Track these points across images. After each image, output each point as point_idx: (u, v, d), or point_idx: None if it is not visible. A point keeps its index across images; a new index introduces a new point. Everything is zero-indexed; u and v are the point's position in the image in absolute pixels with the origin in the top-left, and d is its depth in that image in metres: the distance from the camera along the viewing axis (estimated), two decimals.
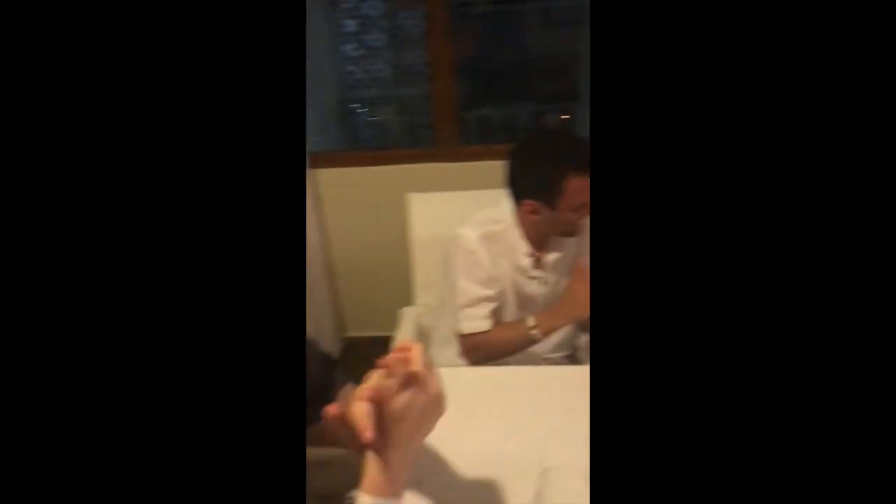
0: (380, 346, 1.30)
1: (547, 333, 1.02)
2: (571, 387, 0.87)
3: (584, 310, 0.98)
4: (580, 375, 0.98)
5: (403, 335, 1.28)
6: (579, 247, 1.11)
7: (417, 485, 0.70)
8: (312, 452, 0.87)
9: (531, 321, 1.01)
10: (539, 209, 1.01)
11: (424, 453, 0.74)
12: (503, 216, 1.07)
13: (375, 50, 2.64)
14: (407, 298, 1.44)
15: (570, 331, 1.16)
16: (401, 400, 0.49)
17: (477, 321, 1.07)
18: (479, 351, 1.08)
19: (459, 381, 0.92)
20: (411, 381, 0.50)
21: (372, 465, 0.50)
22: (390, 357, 0.50)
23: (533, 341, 1.02)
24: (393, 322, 1.35)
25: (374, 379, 0.50)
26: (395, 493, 0.50)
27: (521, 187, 1.02)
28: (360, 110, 2.79)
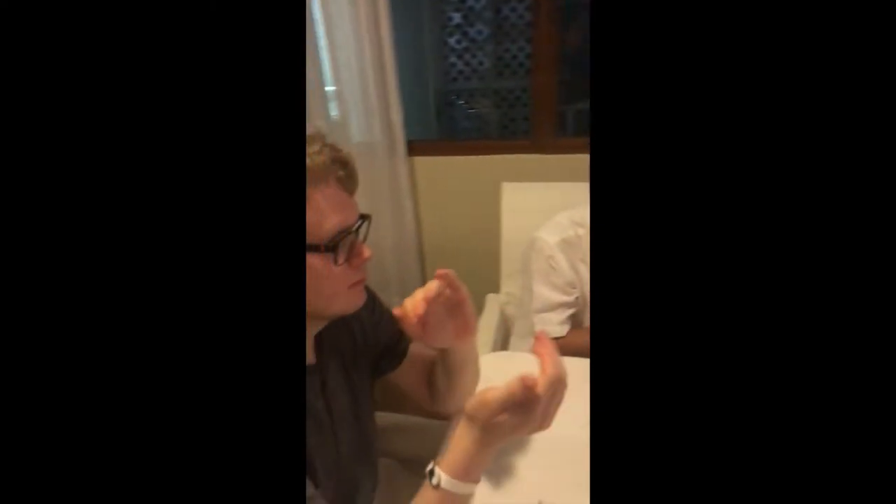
0: None
1: None
2: None
3: None
4: None
5: (486, 321, 1.30)
6: None
7: (507, 455, 0.72)
8: (392, 418, 0.93)
9: None
10: None
11: None
12: (586, 220, 1.05)
13: (478, 42, 2.67)
14: (494, 286, 1.46)
15: None
16: (505, 419, 0.48)
17: (553, 326, 1.06)
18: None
19: (505, 365, 0.93)
20: (525, 407, 0.48)
21: (456, 447, 0.51)
22: (518, 383, 0.47)
23: None
24: (478, 308, 1.38)
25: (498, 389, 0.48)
26: (473, 479, 0.51)
27: None
28: (460, 102, 2.84)
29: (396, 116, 1.69)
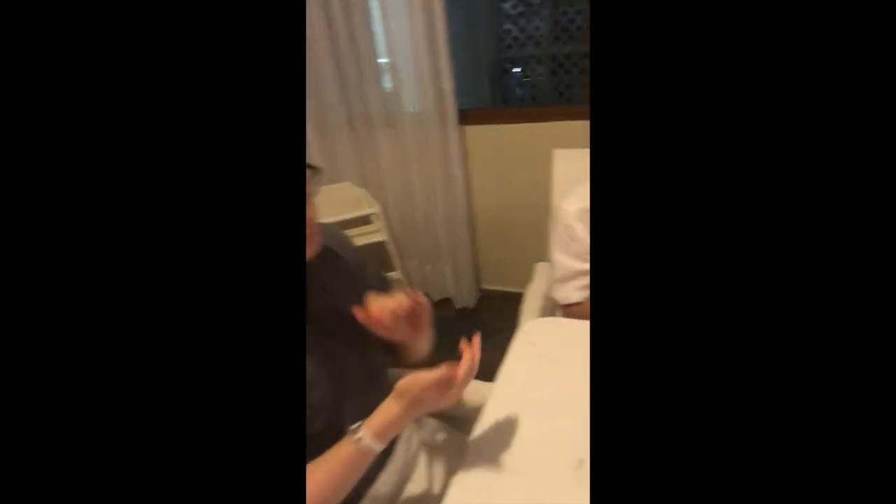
0: (513, 301, 1.33)
1: None
2: None
3: None
4: None
5: (535, 290, 1.31)
6: None
7: (555, 416, 0.74)
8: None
9: None
10: None
11: (558, 390, 0.78)
12: None
13: (535, 7, 2.59)
14: (544, 254, 1.45)
15: None
16: (426, 396, 0.61)
17: (572, 293, 1.08)
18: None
19: (552, 331, 0.93)
20: (443, 388, 0.62)
21: (382, 414, 0.62)
22: (444, 372, 0.61)
23: None
24: (527, 277, 1.38)
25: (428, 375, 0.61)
26: (386, 440, 0.61)
27: None
28: (514, 69, 2.78)
29: (448, 85, 1.68)
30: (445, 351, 0.79)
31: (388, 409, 0.62)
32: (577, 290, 1.09)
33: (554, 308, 1.19)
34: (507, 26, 2.66)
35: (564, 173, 1.34)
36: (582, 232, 1.06)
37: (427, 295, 2.26)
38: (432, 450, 0.81)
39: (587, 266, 1.07)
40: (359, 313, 0.64)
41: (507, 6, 2.62)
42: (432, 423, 0.87)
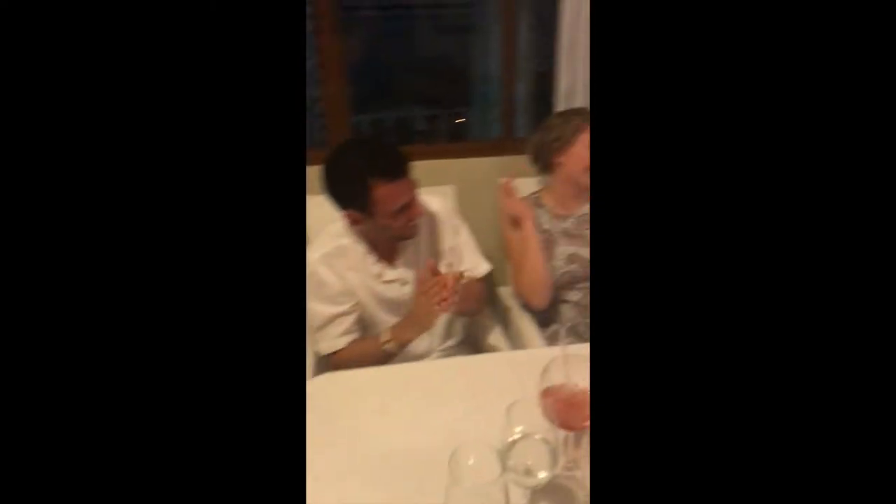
0: None
1: (403, 346, 1.05)
2: (474, 375, 0.91)
3: (429, 320, 0.98)
4: (480, 363, 1.03)
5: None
6: (422, 247, 1.13)
7: (341, 479, 0.69)
8: None
9: (385, 336, 1.05)
10: (359, 219, 1.02)
11: (345, 453, 0.73)
12: (346, 230, 1.08)
13: None
14: None
15: (451, 320, 1.19)
16: None
17: (333, 340, 1.07)
18: (344, 367, 1.09)
19: (367, 381, 0.92)
20: None
21: None
22: None
23: (391, 354, 1.05)
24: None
25: None
26: None
27: (337, 199, 1.02)
28: None
29: None
30: None
31: None
32: (337, 337, 1.06)
33: (329, 364, 1.15)
34: None
35: (320, 220, 1.32)
36: (328, 275, 1.05)
37: None
38: None
39: (342, 307, 1.06)
40: None
41: None
42: None
